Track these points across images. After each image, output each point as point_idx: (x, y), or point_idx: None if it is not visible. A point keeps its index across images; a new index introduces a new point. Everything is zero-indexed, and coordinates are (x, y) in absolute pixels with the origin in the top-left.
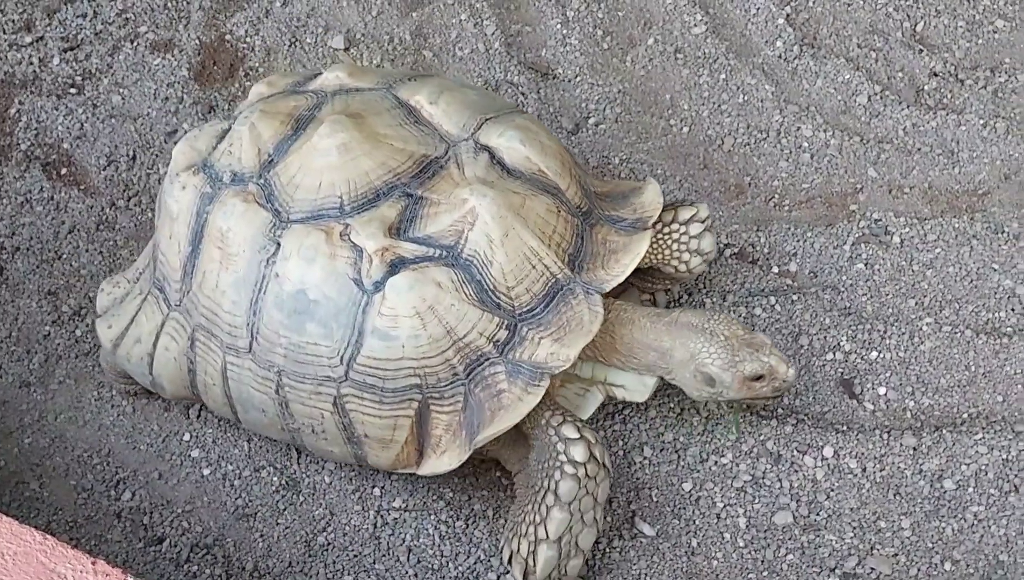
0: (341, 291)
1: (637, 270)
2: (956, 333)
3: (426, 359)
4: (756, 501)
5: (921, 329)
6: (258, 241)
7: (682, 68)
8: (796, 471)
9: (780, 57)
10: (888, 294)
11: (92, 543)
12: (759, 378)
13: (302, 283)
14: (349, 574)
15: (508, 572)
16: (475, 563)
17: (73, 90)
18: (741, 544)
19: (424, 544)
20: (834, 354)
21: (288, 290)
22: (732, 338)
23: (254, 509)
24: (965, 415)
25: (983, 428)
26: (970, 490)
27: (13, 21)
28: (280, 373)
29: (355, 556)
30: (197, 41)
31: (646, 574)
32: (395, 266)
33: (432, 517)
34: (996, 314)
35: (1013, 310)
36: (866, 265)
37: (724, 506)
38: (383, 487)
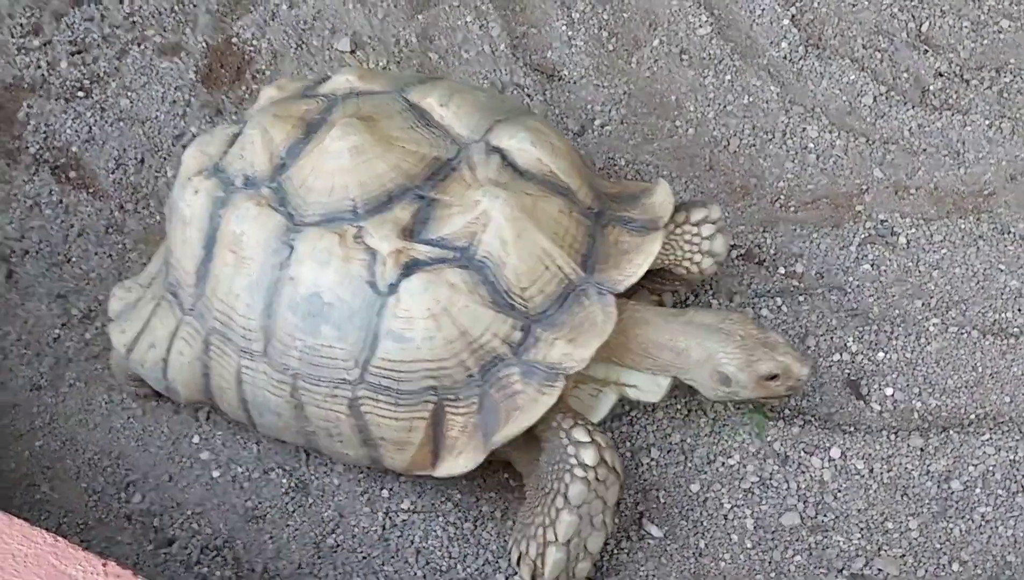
0: (355, 293)
1: (648, 271)
2: (963, 334)
3: (441, 361)
4: (763, 502)
5: (928, 330)
6: (272, 244)
7: (687, 69)
8: (803, 472)
9: (785, 58)
10: (895, 295)
11: (102, 545)
12: (774, 377)
13: (316, 286)
14: (358, 576)
15: (516, 574)
16: (483, 564)
17: (81, 94)
18: (748, 545)
19: (433, 546)
20: (841, 355)
21: (302, 293)
22: (747, 338)
23: (264, 511)
24: (972, 416)
25: (990, 429)
26: (977, 491)
27: (21, 25)
28: (295, 376)
29: (364, 558)
30: (204, 44)
31: (654, 575)
32: (409, 268)
33: (441, 519)
34: (1003, 315)
35: (1020, 310)
36: (872, 266)
37: (731, 507)
38: (392, 489)
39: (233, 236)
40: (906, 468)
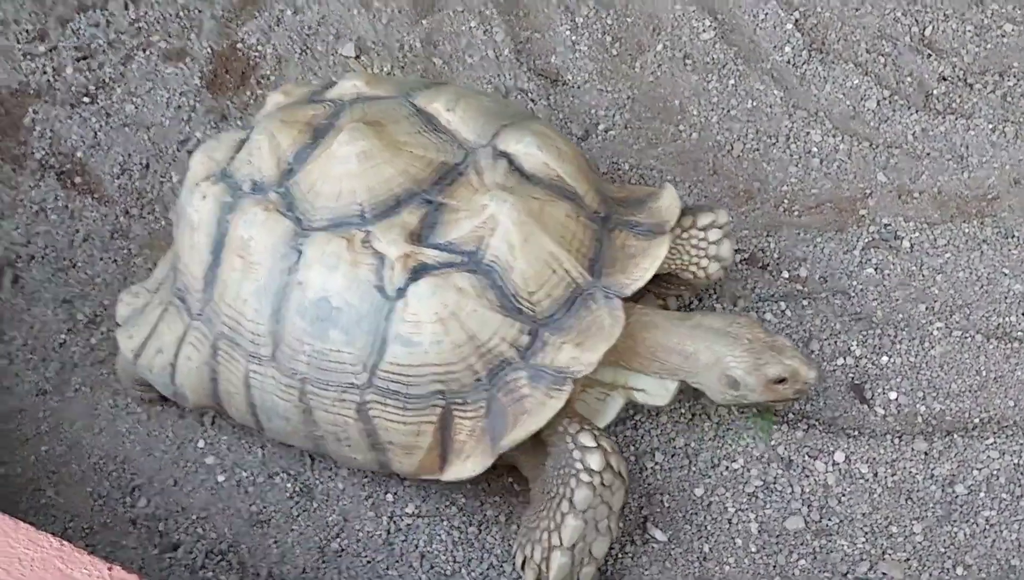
0: (364, 298)
1: (654, 276)
2: (967, 338)
3: (449, 365)
4: (768, 506)
5: (932, 334)
6: (280, 249)
7: (691, 74)
8: (807, 476)
9: (789, 62)
10: (898, 299)
11: (108, 549)
12: (782, 380)
13: (325, 290)
14: None
15: (521, 578)
16: (488, 569)
17: (87, 99)
18: (753, 549)
19: (437, 550)
20: (845, 359)
21: (311, 297)
22: (755, 341)
23: (268, 515)
24: (976, 420)
25: (994, 433)
26: (982, 495)
27: (27, 31)
28: (303, 380)
29: (368, 562)
30: (209, 50)
31: (658, 579)
32: (417, 273)
33: (445, 523)
34: (1007, 319)
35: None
36: (876, 270)
37: (736, 511)
38: (396, 493)
39: (241, 241)
40: (910, 472)
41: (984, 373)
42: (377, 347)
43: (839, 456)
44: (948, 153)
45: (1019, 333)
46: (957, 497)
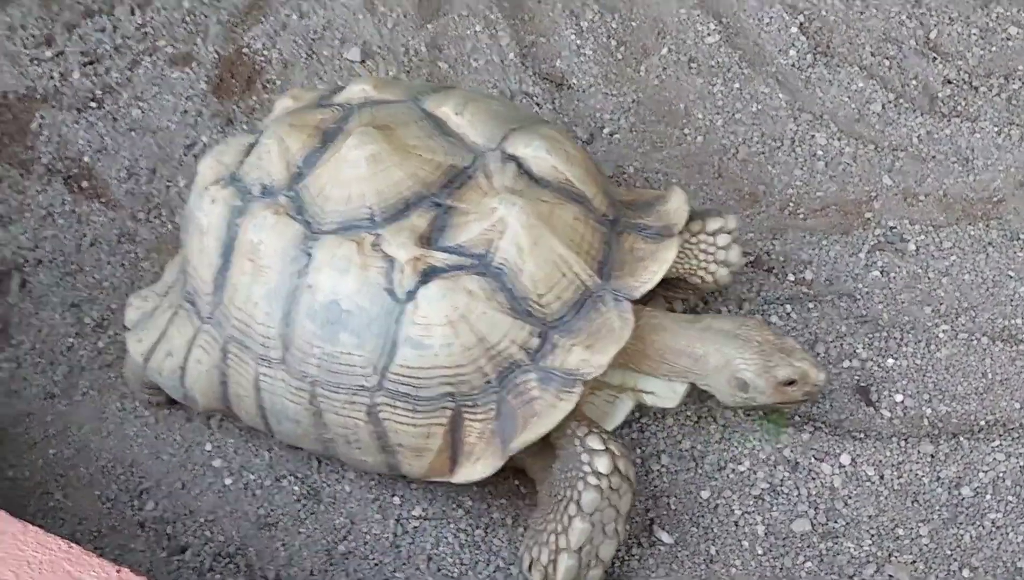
0: (374, 301)
1: (661, 280)
2: (972, 340)
3: (459, 367)
4: (774, 509)
5: (937, 336)
6: (290, 253)
7: (696, 77)
8: (814, 479)
9: (794, 66)
10: (904, 302)
11: (116, 552)
12: (791, 383)
13: (335, 293)
14: None
15: None
16: (495, 571)
17: (93, 104)
18: (759, 552)
19: (444, 552)
20: (850, 362)
21: (321, 300)
22: (764, 343)
23: (276, 518)
24: (982, 422)
25: (1000, 435)
26: (988, 497)
27: (34, 36)
28: (313, 383)
29: (375, 565)
30: (215, 54)
31: None
32: (427, 275)
33: (452, 525)
34: (1012, 321)
35: None
36: (882, 273)
37: (742, 514)
38: (403, 496)
39: (251, 245)
40: (916, 474)
41: (990, 375)
42: (387, 350)
43: (845, 459)
44: (953, 156)
45: None
46: (963, 499)
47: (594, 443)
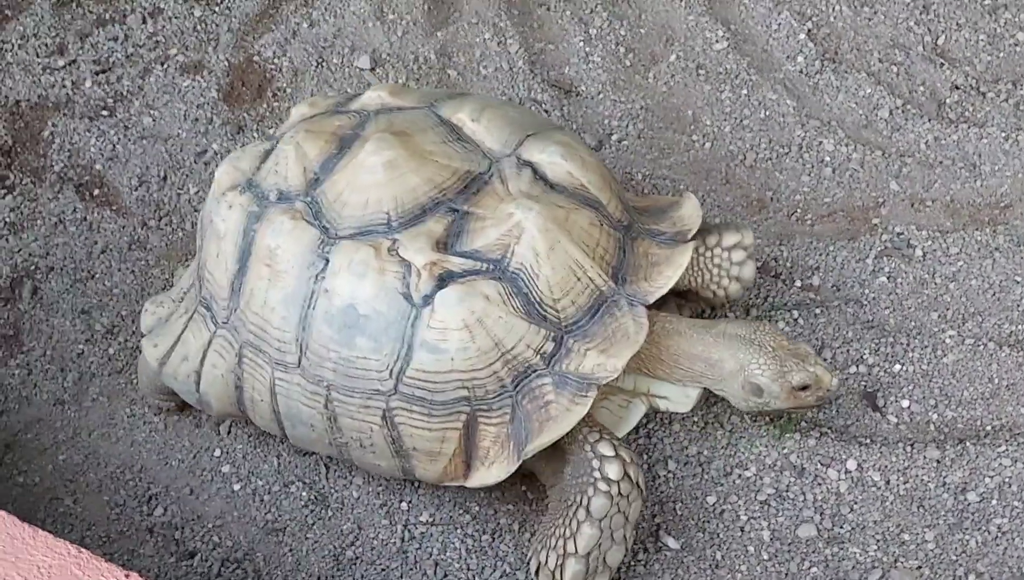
0: (391, 305)
1: (671, 292)
2: (979, 346)
3: (474, 371)
4: (780, 514)
5: (944, 342)
6: (307, 258)
7: (704, 84)
8: (820, 484)
9: (801, 72)
10: (911, 307)
11: (125, 558)
12: (805, 387)
13: (352, 298)
14: None
15: None
16: (501, 577)
17: (105, 112)
18: (765, 557)
19: (451, 558)
20: (857, 367)
21: (338, 305)
22: (779, 349)
23: (283, 524)
24: (988, 427)
25: (1006, 440)
26: (994, 502)
27: (46, 45)
28: (329, 387)
29: (383, 570)
30: (226, 63)
31: None
32: (443, 280)
33: (459, 531)
34: (1019, 326)
35: None
36: (889, 278)
37: (748, 519)
38: (410, 501)
39: (268, 250)
40: (922, 480)
41: (996, 381)
42: (403, 354)
43: (851, 464)
44: (961, 162)
45: None
46: (969, 505)
47: (605, 449)
